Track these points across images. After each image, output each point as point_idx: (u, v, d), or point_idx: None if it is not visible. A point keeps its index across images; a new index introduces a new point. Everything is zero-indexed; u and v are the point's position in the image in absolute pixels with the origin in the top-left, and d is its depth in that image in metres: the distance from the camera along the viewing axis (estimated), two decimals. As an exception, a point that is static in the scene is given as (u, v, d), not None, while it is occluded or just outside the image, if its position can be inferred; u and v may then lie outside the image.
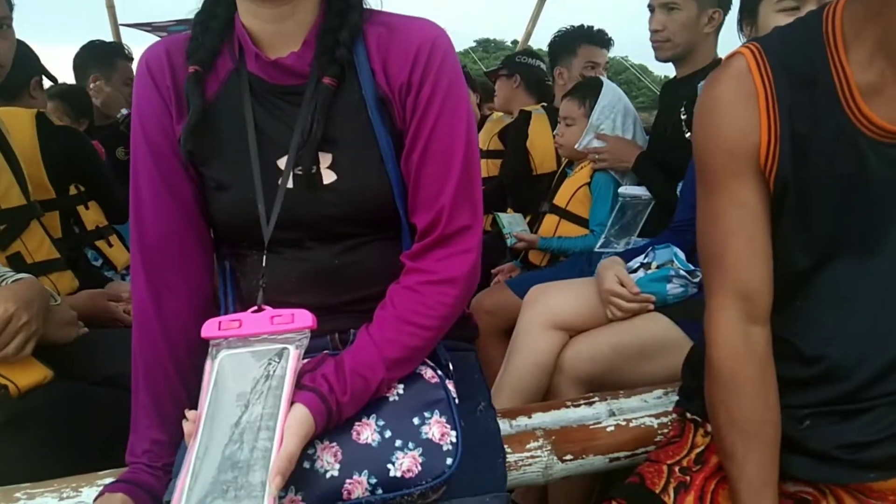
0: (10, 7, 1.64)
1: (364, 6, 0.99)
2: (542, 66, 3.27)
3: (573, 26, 2.93)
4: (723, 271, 0.96)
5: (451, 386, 0.96)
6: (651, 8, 2.10)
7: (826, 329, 0.96)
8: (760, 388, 0.95)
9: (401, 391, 0.93)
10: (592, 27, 2.90)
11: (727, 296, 0.96)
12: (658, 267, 1.67)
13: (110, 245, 2.19)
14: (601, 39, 2.86)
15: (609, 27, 2.95)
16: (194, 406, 0.85)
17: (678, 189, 2.01)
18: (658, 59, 2.17)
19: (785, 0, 1.46)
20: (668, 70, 2.29)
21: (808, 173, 0.89)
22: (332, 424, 0.85)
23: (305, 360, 0.89)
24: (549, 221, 2.47)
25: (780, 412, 0.96)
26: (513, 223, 2.63)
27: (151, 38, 5.41)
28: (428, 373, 0.97)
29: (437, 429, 0.89)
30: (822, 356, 0.96)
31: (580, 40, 2.85)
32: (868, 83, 0.86)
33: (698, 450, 1.10)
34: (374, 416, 0.89)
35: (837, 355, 0.95)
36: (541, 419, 1.29)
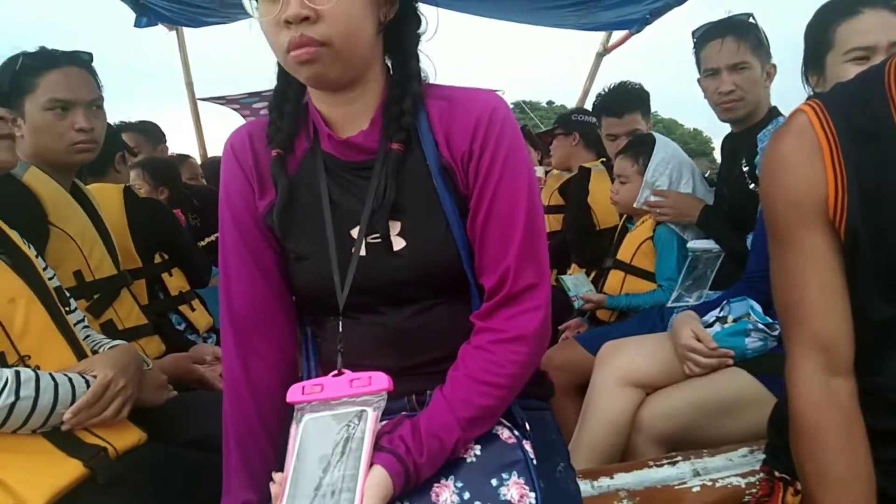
0: (100, 89, 1.79)
1: (422, 78, 1.06)
2: (595, 122, 3.30)
3: (605, 90, 2.88)
4: (800, 323, 0.95)
5: (528, 446, 0.96)
6: (713, 72, 2.08)
7: None
8: (847, 440, 0.92)
9: (478, 452, 0.94)
10: (615, 92, 2.82)
11: (806, 347, 0.94)
12: (735, 321, 1.64)
13: (192, 309, 2.28)
14: (614, 110, 2.78)
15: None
16: (282, 466, 0.88)
17: (748, 240, 1.98)
18: (728, 119, 2.15)
19: (854, 51, 1.42)
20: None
21: (880, 224, 0.89)
22: (410, 486, 0.86)
23: (383, 422, 0.91)
24: (615, 277, 2.45)
25: (877, 467, 0.92)
26: (578, 285, 2.60)
27: (225, 110, 5.73)
28: (505, 433, 0.97)
29: (515, 490, 0.89)
30: None
31: (601, 111, 2.86)
32: None
33: None
34: (451, 477, 0.90)
35: None
36: (623, 480, 1.27)
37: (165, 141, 3.79)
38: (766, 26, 2.11)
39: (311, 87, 1.01)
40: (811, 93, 1.54)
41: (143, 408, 1.41)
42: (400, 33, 1.04)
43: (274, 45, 0.95)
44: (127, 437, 1.29)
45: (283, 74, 1.06)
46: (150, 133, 3.62)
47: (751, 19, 2.10)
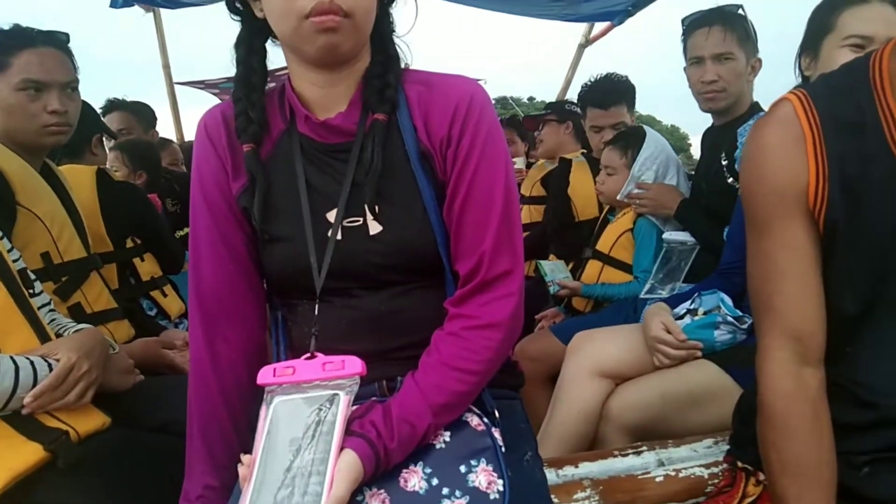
0: (76, 71, 1.76)
1: (401, 62, 1.05)
2: None
3: (589, 82, 2.86)
4: (773, 312, 0.96)
5: (497, 434, 0.97)
6: (698, 60, 2.08)
7: (879, 375, 0.94)
8: (813, 429, 0.93)
9: (447, 439, 0.94)
10: (600, 84, 2.81)
11: (778, 337, 0.95)
12: (705, 313, 1.65)
13: (164, 295, 2.25)
14: (600, 101, 2.76)
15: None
16: (246, 451, 0.88)
17: (724, 234, 1.99)
18: (710, 109, 2.15)
19: (853, 37, 1.43)
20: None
21: (859, 216, 0.89)
22: (380, 470, 0.86)
23: (354, 407, 0.91)
24: (593, 267, 2.46)
25: (837, 458, 0.93)
26: (555, 271, 2.61)
27: (204, 94, 5.66)
28: (474, 420, 0.97)
29: (483, 477, 0.89)
30: (876, 402, 0.93)
31: (586, 102, 2.83)
32: None
33: (750, 499, 1.07)
34: (420, 463, 0.90)
35: (893, 402, 0.92)
36: (588, 469, 1.28)
37: (156, 125, 3.72)
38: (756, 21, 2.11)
39: (316, 58, 0.97)
40: (799, 76, 1.55)
41: (109, 392, 1.40)
42: (380, 20, 1.03)
43: (286, 10, 0.91)
44: (90, 421, 1.28)
45: (245, 61, 1.04)
46: (143, 115, 3.54)
47: (740, 11, 2.09)
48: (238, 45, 1.05)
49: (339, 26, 0.91)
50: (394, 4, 1.07)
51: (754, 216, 0.97)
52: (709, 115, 2.21)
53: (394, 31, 1.06)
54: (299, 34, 0.92)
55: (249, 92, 1.03)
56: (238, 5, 1.04)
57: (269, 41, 1.06)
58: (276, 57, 1.07)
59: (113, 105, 3.35)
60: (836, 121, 0.90)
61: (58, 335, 1.37)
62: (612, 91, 2.79)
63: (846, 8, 1.46)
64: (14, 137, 1.65)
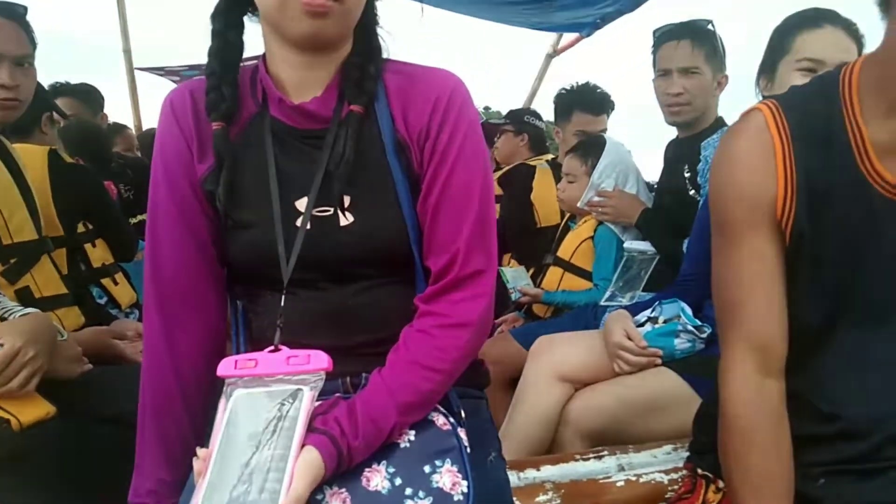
0: (34, 46, 1.68)
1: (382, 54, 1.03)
2: (543, 126, 3.35)
3: (574, 87, 2.91)
4: (738, 322, 0.96)
5: (462, 434, 0.95)
6: (665, 72, 2.12)
7: (839, 388, 0.96)
8: (774, 440, 0.94)
9: (412, 438, 0.92)
10: (592, 90, 2.87)
11: (742, 347, 0.96)
12: (665, 321, 1.67)
13: (116, 283, 2.18)
14: (593, 107, 2.82)
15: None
16: (201, 445, 0.84)
17: (684, 245, 2.02)
18: (674, 122, 2.19)
19: (805, 60, 1.49)
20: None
21: (823, 228, 0.91)
22: (342, 469, 0.84)
23: (318, 403, 0.88)
24: (553, 274, 2.48)
25: (795, 469, 0.95)
26: (516, 277, 2.63)
27: (164, 82, 5.54)
28: (440, 420, 0.96)
29: (448, 478, 0.88)
30: (836, 415, 0.95)
31: (574, 106, 2.87)
32: (883, 142, 0.88)
33: None
34: (384, 462, 0.88)
35: (852, 415, 0.94)
36: (549, 472, 1.28)
37: (104, 107, 3.59)
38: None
39: (298, 41, 0.93)
40: (759, 96, 1.60)
41: (55, 381, 1.33)
42: (364, 10, 0.99)
43: None
44: (33, 410, 1.22)
45: (221, 33, 0.99)
46: (89, 98, 3.39)
47: (710, 26, 2.14)
48: (215, 16, 1.00)
49: (330, 12, 0.88)
50: None
51: (722, 224, 0.98)
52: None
53: (377, 23, 1.03)
54: (285, 13, 0.89)
55: (224, 67, 0.99)
56: None
57: (248, 16, 1.02)
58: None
59: (57, 90, 3.21)
60: (806, 133, 0.91)
61: (2, 319, 1.31)
62: (602, 99, 2.86)
63: (801, 31, 1.52)
64: None
